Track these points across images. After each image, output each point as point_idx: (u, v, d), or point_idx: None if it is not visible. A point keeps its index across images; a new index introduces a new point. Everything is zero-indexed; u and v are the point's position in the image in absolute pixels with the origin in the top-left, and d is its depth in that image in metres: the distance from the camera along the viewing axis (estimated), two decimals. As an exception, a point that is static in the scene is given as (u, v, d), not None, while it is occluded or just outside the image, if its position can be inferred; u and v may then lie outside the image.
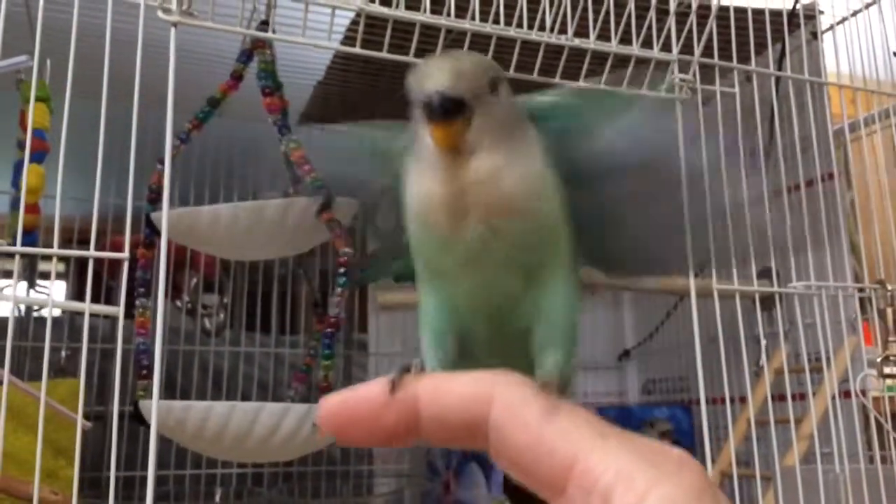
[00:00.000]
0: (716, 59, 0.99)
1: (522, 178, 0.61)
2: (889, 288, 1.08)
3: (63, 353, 1.62)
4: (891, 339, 1.09)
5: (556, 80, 0.92)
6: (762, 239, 1.07)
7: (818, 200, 1.17)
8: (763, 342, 1.34)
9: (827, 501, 0.98)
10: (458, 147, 0.58)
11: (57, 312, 1.92)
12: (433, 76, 0.58)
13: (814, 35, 1.37)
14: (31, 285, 1.54)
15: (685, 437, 1.73)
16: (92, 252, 0.66)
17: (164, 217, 0.69)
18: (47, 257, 1.89)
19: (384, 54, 0.84)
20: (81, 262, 1.70)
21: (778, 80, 1.27)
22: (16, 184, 1.39)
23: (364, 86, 1.66)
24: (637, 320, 2.06)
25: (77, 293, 1.79)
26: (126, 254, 0.66)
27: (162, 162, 1.06)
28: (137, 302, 1.03)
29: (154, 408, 0.82)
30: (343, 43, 1.22)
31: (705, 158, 1.05)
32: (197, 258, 1.78)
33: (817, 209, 1.17)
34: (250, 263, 1.89)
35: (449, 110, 0.57)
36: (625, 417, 1.79)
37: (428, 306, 0.65)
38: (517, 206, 0.60)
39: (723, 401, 1.58)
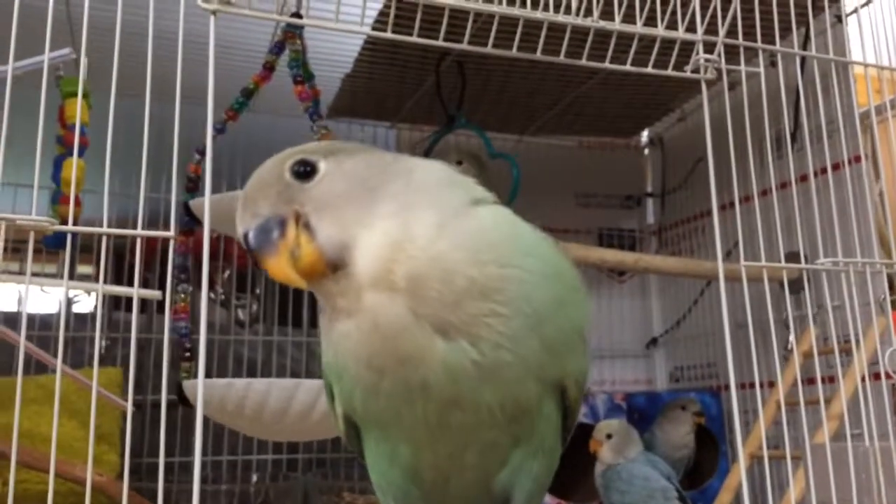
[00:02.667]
0: (740, 40, 1.00)
1: (455, 238, 0.49)
2: (918, 266, 1.08)
3: (102, 343, 1.66)
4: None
5: (583, 61, 0.94)
6: (789, 222, 1.08)
7: (845, 183, 1.18)
8: (791, 325, 1.35)
9: (857, 476, 0.98)
10: (316, 264, 0.49)
11: (90, 307, 1.97)
12: (238, 222, 0.52)
13: (838, 18, 1.37)
14: (72, 278, 1.58)
15: (714, 423, 1.73)
16: (139, 231, 0.69)
17: (206, 198, 0.72)
18: (86, 253, 1.91)
19: (414, 38, 0.86)
20: (116, 262, 1.75)
21: (803, 61, 1.28)
22: (56, 178, 1.43)
23: (391, 79, 1.68)
24: (664, 308, 2.06)
25: (112, 298, 1.83)
26: (172, 232, 0.69)
27: (199, 152, 1.10)
28: (178, 287, 1.06)
29: (200, 384, 0.84)
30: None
31: (731, 142, 1.06)
32: (230, 250, 1.81)
33: (844, 192, 1.17)
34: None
35: (261, 241, 0.50)
36: (653, 403, 1.79)
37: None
38: (479, 283, 0.47)
39: (751, 385, 1.58)
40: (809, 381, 1.48)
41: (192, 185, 1.10)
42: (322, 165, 0.52)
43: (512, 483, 0.53)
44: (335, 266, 0.50)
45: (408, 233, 0.49)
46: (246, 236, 0.52)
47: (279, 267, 0.49)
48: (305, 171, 0.52)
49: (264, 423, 1.00)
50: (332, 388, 0.56)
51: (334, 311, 0.51)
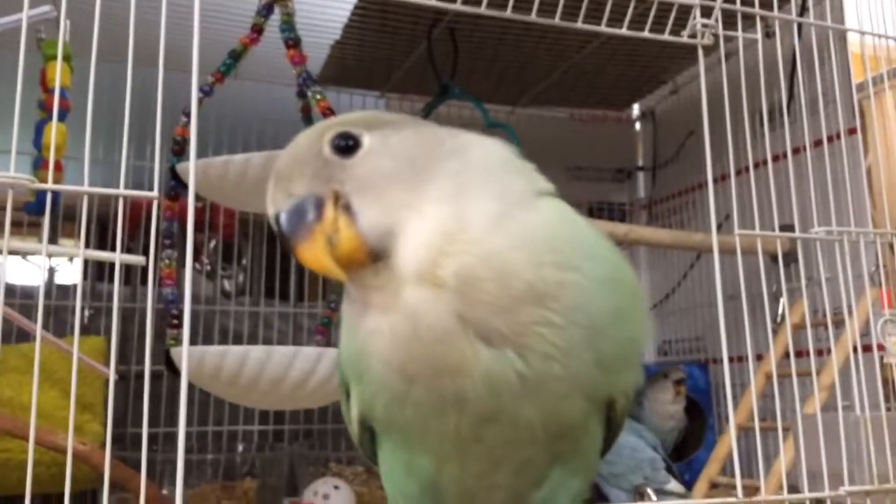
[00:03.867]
0: (738, 5, 0.99)
1: (515, 234, 0.43)
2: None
3: (85, 313, 1.64)
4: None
5: (579, 24, 0.92)
6: (781, 196, 1.07)
7: (840, 155, 1.17)
8: (784, 296, 1.35)
9: (847, 446, 0.98)
10: (357, 252, 0.43)
11: (72, 279, 1.94)
12: (269, 202, 0.47)
13: (836, -12, 1.36)
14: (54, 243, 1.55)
15: (702, 396, 1.74)
16: (122, 191, 0.66)
17: (192, 163, 0.70)
18: (69, 223, 1.88)
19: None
20: (99, 232, 1.72)
21: (800, 29, 1.26)
22: (38, 144, 1.40)
23: (382, 46, 1.65)
24: (653, 282, 2.06)
25: (97, 268, 1.81)
26: (156, 192, 0.67)
27: (186, 114, 1.07)
28: (163, 253, 1.04)
29: (185, 352, 0.82)
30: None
31: (728, 112, 1.05)
32: (216, 220, 1.79)
33: (837, 165, 1.17)
34: (269, 229, 1.90)
35: (295, 224, 0.45)
36: (641, 376, 1.79)
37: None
38: (536, 288, 0.42)
39: (740, 359, 1.58)
40: (798, 353, 1.48)
41: (179, 149, 1.08)
42: (366, 140, 0.47)
43: (547, 502, 0.49)
44: (376, 255, 0.44)
45: (462, 221, 0.43)
46: (277, 218, 0.46)
47: (314, 254, 0.44)
48: (347, 145, 0.47)
49: (260, 391, 0.99)
50: (347, 386, 0.51)
51: (366, 305, 0.45)
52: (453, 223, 0.43)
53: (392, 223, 0.44)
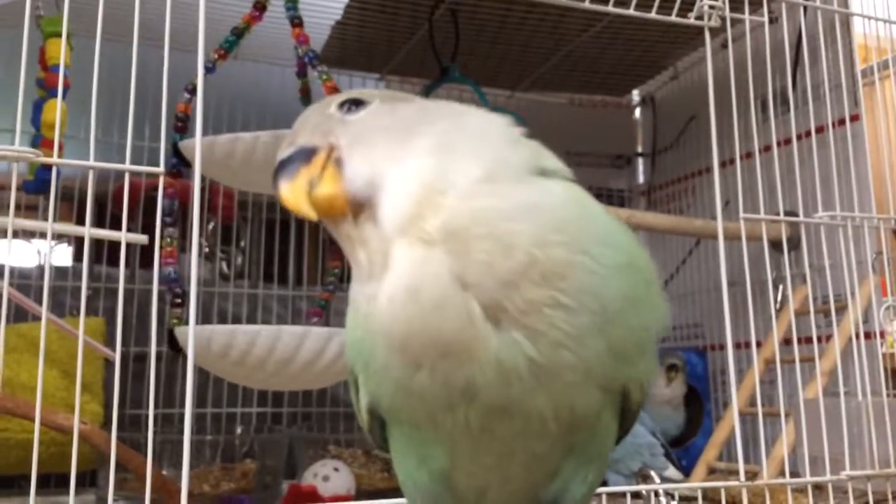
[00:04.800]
0: (746, -13, 0.98)
1: (510, 202, 0.42)
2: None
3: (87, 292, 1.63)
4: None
5: (586, 3, 0.91)
6: (783, 182, 1.07)
7: (840, 142, 1.17)
8: (788, 282, 1.35)
9: (849, 431, 0.99)
10: (335, 199, 0.44)
11: (69, 261, 1.93)
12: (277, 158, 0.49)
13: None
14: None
15: (700, 382, 1.74)
16: (128, 166, 0.66)
17: (197, 136, 0.69)
18: (67, 204, 1.86)
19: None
20: (97, 214, 1.71)
21: (805, 11, 1.26)
22: (37, 122, 1.39)
23: (382, 27, 1.64)
24: (652, 268, 2.06)
25: (93, 250, 1.79)
26: (162, 168, 0.66)
27: (189, 91, 1.06)
28: (164, 231, 1.03)
29: (191, 330, 0.82)
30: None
31: (734, 97, 1.04)
32: (215, 201, 1.77)
33: (842, 151, 1.17)
34: (268, 213, 1.89)
35: (284, 167, 0.46)
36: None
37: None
38: (541, 264, 0.40)
39: (739, 345, 1.58)
40: (799, 340, 1.49)
41: (182, 125, 1.07)
42: (373, 104, 0.48)
43: (562, 493, 0.48)
44: (360, 206, 0.43)
45: (445, 176, 0.42)
46: (276, 166, 0.48)
47: (291, 193, 0.45)
48: (352, 106, 0.48)
49: (268, 371, 0.98)
50: (356, 376, 0.49)
51: (360, 270, 0.44)
52: (435, 176, 0.42)
53: (376, 174, 0.44)
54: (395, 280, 0.41)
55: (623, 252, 0.45)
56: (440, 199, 0.42)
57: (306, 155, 0.46)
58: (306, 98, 1.26)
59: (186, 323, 1.04)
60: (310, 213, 0.44)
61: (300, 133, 0.48)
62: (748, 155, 1.28)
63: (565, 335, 0.41)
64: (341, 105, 0.48)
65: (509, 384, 0.41)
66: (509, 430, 0.43)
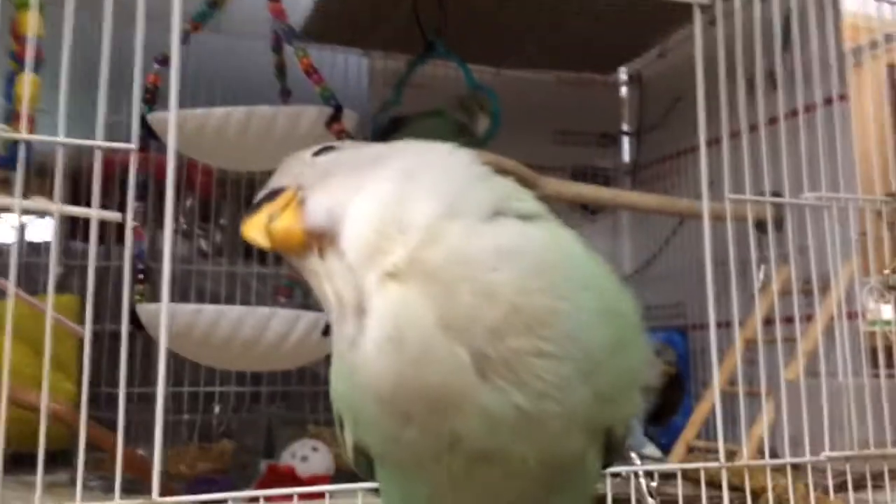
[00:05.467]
0: (736, -37, 0.96)
1: (489, 248, 0.41)
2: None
3: (59, 271, 1.60)
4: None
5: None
6: (768, 162, 1.06)
7: (830, 123, 1.16)
8: (771, 262, 1.34)
9: (829, 411, 0.99)
10: (291, 230, 0.45)
11: (43, 236, 1.89)
12: None
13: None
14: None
15: (681, 361, 1.74)
16: (99, 142, 0.63)
17: (172, 109, 0.67)
18: (40, 180, 1.83)
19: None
20: (72, 189, 1.67)
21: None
22: (9, 95, 1.35)
23: (366, 1, 1.61)
24: (635, 248, 2.05)
25: (69, 226, 1.76)
26: (134, 144, 0.64)
27: (159, 61, 1.03)
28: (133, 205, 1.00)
29: (164, 308, 0.80)
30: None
31: (723, 76, 1.03)
32: (193, 178, 1.74)
33: (828, 130, 1.16)
34: (247, 190, 1.87)
35: (254, 203, 0.49)
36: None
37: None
38: (524, 313, 0.40)
39: (719, 325, 1.58)
40: (781, 320, 1.49)
41: (150, 97, 1.03)
42: (344, 147, 0.50)
43: None
44: (324, 240, 0.43)
45: (404, 204, 0.41)
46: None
47: (249, 225, 0.47)
48: (324, 150, 0.50)
49: (233, 352, 0.96)
50: (341, 418, 0.49)
51: (329, 307, 0.43)
52: (396, 201, 0.41)
53: (336, 204, 0.44)
54: (376, 326, 0.40)
55: (606, 296, 0.44)
56: (402, 226, 0.41)
57: (273, 194, 0.48)
58: (281, 73, 1.23)
59: (152, 300, 1.02)
60: (264, 244, 0.46)
61: (275, 178, 0.50)
62: (734, 134, 1.27)
63: (550, 385, 0.40)
64: (316, 152, 0.50)
65: (495, 433, 0.40)
66: (493, 475, 0.43)
